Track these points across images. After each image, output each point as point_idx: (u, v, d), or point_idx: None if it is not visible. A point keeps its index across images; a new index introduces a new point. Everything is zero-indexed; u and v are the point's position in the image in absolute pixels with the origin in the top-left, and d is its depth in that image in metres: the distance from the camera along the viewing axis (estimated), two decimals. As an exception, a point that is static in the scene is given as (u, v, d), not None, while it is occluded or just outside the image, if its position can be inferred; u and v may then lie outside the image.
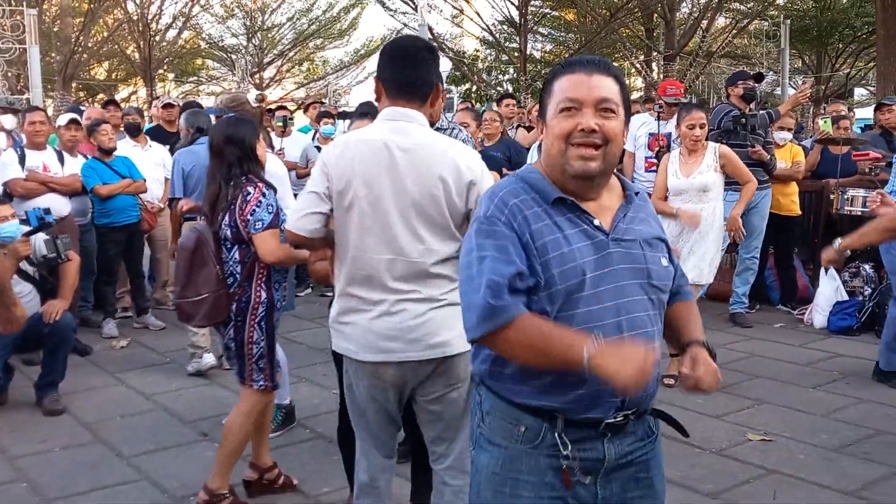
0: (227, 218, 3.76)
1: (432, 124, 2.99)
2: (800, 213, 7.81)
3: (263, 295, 3.82)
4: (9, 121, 7.90)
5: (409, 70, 2.87)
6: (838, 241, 4.12)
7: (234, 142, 3.84)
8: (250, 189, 3.75)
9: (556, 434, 2.01)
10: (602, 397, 1.98)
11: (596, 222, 2.03)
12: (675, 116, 7.66)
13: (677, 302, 2.24)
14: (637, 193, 2.16)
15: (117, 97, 24.41)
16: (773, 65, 18.58)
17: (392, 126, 2.84)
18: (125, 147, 7.59)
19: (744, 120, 6.83)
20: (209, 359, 6.04)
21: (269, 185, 3.85)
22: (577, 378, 1.94)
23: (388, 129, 2.84)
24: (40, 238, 5.42)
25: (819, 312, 7.18)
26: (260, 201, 3.72)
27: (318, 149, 8.67)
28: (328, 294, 8.72)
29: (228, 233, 3.77)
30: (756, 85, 7.28)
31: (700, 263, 5.50)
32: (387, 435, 3.09)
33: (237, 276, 3.79)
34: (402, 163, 2.77)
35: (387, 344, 2.83)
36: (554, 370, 1.96)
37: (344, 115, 10.91)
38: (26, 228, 5.38)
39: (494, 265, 1.95)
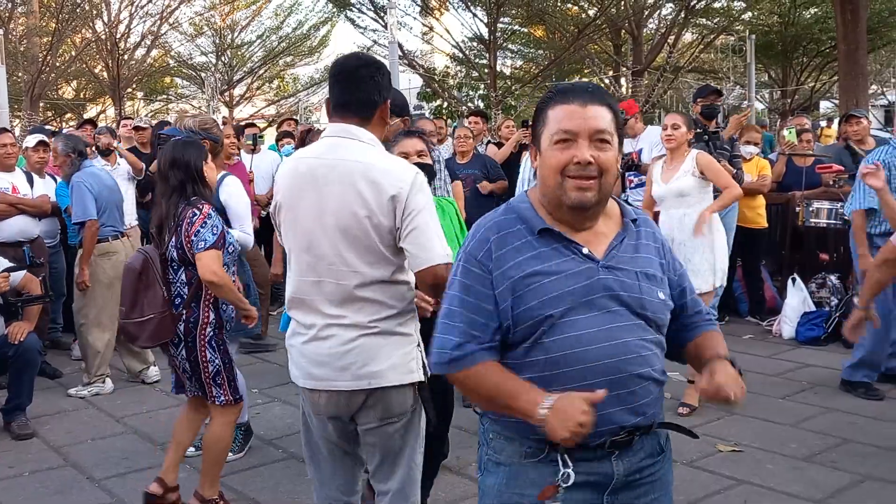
0: (173, 239, 3.82)
1: (385, 142, 2.92)
2: (766, 225, 7.92)
3: (211, 315, 3.88)
4: None
5: (346, 88, 2.77)
6: (855, 301, 4.00)
7: (178, 165, 3.87)
8: (196, 210, 3.80)
9: (560, 455, 2.01)
10: (603, 423, 1.96)
11: (585, 251, 2.04)
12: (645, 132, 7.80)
13: (701, 333, 2.23)
14: (636, 220, 2.15)
15: (85, 116, 24.26)
16: (740, 79, 18.89)
17: (328, 142, 2.75)
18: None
19: (706, 136, 6.90)
20: (154, 372, 6.39)
21: (217, 208, 3.91)
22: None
23: (323, 145, 2.76)
24: (19, 274, 5.38)
25: (787, 323, 7.28)
26: (205, 222, 3.78)
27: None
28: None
29: (175, 254, 3.83)
30: (714, 102, 7.34)
31: (699, 270, 5.37)
32: (341, 469, 2.93)
33: (184, 296, 3.85)
34: (324, 180, 2.66)
35: (317, 370, 2.73)
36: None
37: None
38: (4, 262, 5.35)
39: (464, 314, 2.03)
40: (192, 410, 4.17)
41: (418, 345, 2.79)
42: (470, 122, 9.96)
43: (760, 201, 7.82)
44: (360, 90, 2.76)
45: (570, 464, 2.00)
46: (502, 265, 2.02)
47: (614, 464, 2.05)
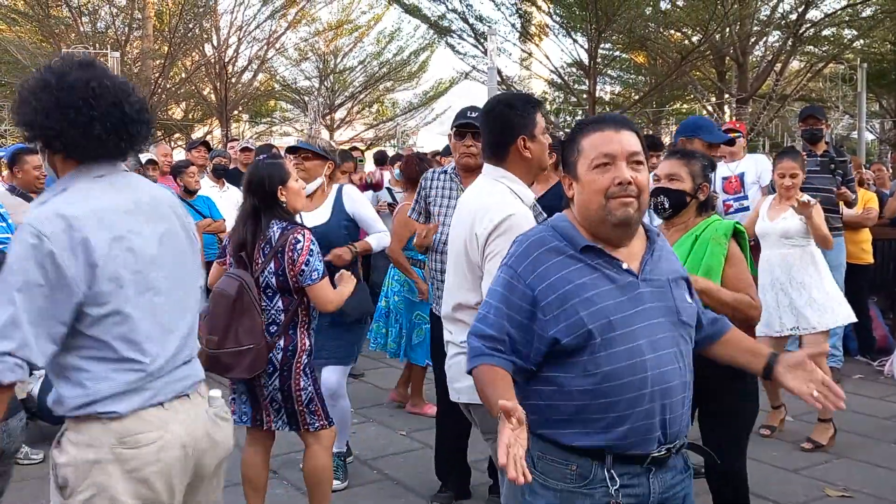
0: (272, 265, 3.63)
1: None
2: (871, 261, 7.56)
3: (308, 342, 3.73)
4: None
5: None
6: None
7: (252, 188, 3.73)
8: (299, 237, 3.62)
9: (606, 470, 2.06)
10: (649, 432, 2.07)
11: (625, 266, 2.13)
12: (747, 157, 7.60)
13: (721, 336, 2.39)
14: (658, 234, 2.28)
15: (193, 136, 25.15)
16: (850, 108, 18.25)
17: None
18: (205, 188, 7.80)
19: (833, 165, 6.73)
20: None
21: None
22: (622, 416, 2.05)
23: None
24: None
25: (900, 364, 6.93)
26: (311, 250, 3.62)
27: (389, 190, 8.78)
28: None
29: (273, 280, 3.64)
30: (814, 127, 7.05)
31: (803, 310, 5.26)
32: None
33: (279, 323, 3.67)
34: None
35: None
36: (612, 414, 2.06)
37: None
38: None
39: (494, 318, 2.14)
40: (258, 445, 3.88)
41: None
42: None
43: (865, 236, 7.47)
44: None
45: (617, 480, 2.06)
46: (548, 278, 2.10)
47: (651, 482, 2.12)
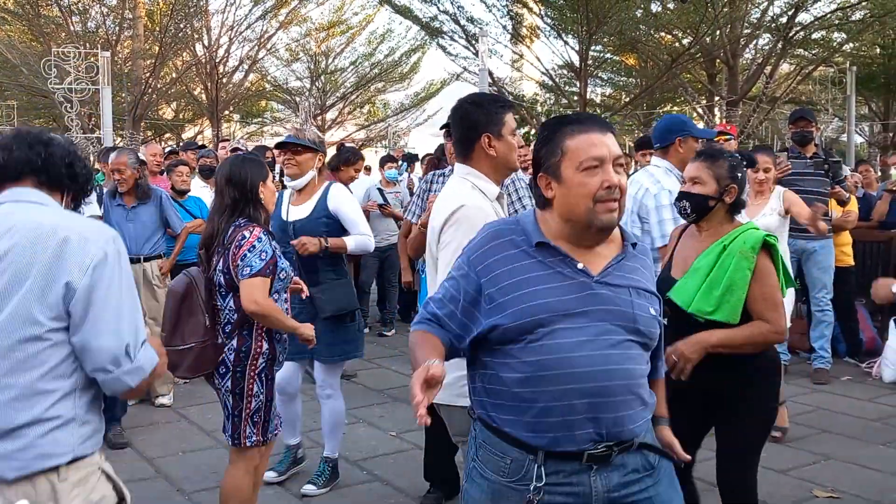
0: (220, 263, 3.57)
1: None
2: (852, 263, 7.58)
3: (265, 345, 3.59)
4: None
5: None
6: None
7: (233, 182, 3.62)
8: (246, 233, 3.52)
9: (537, 466, 2.09)
10: (575, 428, 2.07)
11: (580, 265, 2.15)
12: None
13: (655, 379, 2.36)
14: (635, 245, 2.27)
15: (184, 136, 25.08)
16: (839, 111, 18.32)
17: None
18: (195, 187, 7.78)
19: (826, 165, 6.78)
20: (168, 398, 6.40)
21: (268, 231, 3.64)
22: (546, 408, 2.07)
23: None
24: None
25: (888, 366, 6.96)
26: (253, 246, 3.49)
27: (380, 191, 8.79)
28: (386, 334, 8.80)
29: (222, 279, 3.57)
30: (804, 129, 7.07)
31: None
32: None
33: (233, 323, 3.58)
34: None
35: None
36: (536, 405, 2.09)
37: (409, 158, 11.08)
38: None
39: (442, 297, 2.24)
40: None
41: None
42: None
43: (846, 238, 7.49)
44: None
45: (543, 478, 2.08)
46: (494, 270, 2.15)
47: (592, 479, 2.10)
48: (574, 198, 2.13)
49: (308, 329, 3.73)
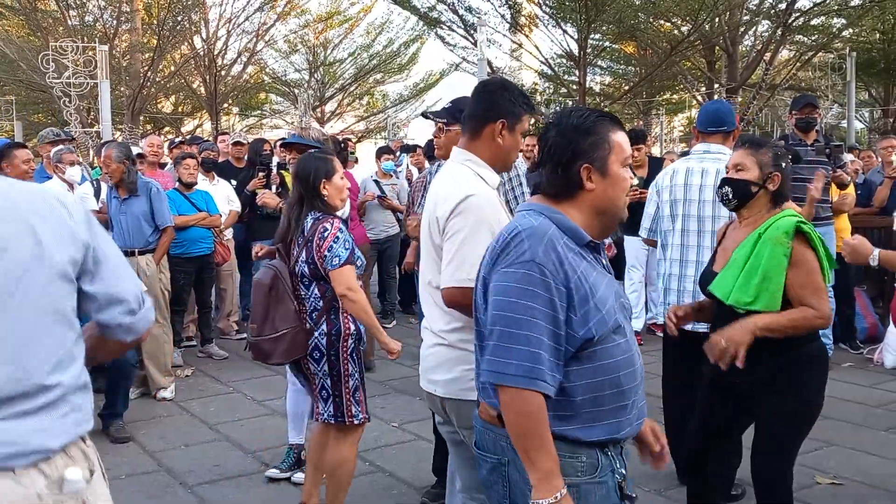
0: (304, 255, 3.78)
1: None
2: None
3: (352, 326, 3.82)
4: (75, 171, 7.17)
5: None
6: (876, 253, 3.48)
7: (299, 178, 3.90)
8: (327, 226, 3.75)
9: (610, 458, 2.14)
10: (641, 416, 2.21)
11: (604, 261, 2.25)
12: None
13: None
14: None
15: (183, 130, 25.04)
16: (839, 97, 18.28)
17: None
18: (198, 182, 7.77)
19: (828, 150, 6.80)
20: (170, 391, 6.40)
21: (344, 222, 3.85)
22: (627, 405, 2.13)
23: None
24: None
25: (890, 352, 6.97)
26: (337, 237, 3.72)
27: (377, 182, 8.77)
28: (387, 326, 8.78)
29: (306, 269, 3.77)
30: (810, 115, 7.04)
31: None
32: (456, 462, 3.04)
33: (320, 309, 3.79)
34: None
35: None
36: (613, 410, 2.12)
37: (407, 149, 11.04)
38: None
39: (548, 361, 2.00)
40: (325, 433, 3.99)
41: None
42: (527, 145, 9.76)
43: (844, 224, 7.41)
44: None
45: (621, 464, 2.19)
46: (575, 272, 2.06)
47: (625, 461, 2.23)
48: (617, 191, 2.20)
49: (391, 342, 3.94)
